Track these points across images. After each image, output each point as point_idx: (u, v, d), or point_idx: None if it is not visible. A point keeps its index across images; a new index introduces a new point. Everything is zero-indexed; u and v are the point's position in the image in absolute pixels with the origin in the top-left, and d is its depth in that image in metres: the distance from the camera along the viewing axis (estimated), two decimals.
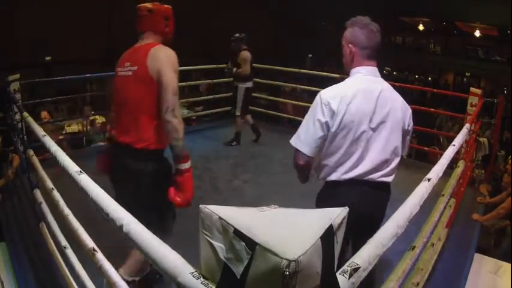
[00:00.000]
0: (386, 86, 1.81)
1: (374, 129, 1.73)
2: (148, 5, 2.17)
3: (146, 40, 2.14)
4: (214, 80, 7.06)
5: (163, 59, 1.97)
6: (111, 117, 2.30)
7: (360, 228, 1.51)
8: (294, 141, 1.77)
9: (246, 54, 5.33)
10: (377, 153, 1.75)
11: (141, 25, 2.19)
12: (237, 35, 5.42)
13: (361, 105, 1.70)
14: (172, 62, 1.99)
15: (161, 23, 2.17)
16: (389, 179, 1.84)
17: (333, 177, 1.79)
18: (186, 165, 1.98)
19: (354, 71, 1.81)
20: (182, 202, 2.00)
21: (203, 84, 8.70)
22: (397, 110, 1.79)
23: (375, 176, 1.78)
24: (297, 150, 1.76)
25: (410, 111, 1.86)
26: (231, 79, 6.31)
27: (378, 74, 1.81)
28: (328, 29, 17.68)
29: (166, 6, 2.18)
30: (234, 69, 5.39)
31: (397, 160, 1.84)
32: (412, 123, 1.87)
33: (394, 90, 1.83)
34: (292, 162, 1.83)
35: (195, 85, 8.82)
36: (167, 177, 2.05)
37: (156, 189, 2.04)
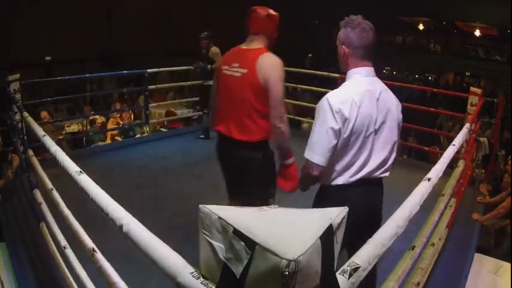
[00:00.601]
0: (382, 85, 1.82)
1: (377, 131, 1.75)
2: (266, 9, 2.29)
3: (256, 44, 2.25)
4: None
5: (272, 69, 2.13)
6: (214, 110, 2.50)
7: (364, 226, 1.56)
8: (308, 153, 1.71)
9: (217, 49, 5.23)
10: (380, 153, 1.77)
11: (255, 27, 2.25)
12: (206, 32, 5.39)
13: (368, 109, 1.70)
14: (280, 71, 2.16)
15: (274, 29, 2.30)
16: (387, 174, 1.85)
17: (340, 181, 1.77)
18: (291, 160, 2.28)
19: (351, 72, 1.79)
20: (291, 188, 2.27)
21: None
22: (393, 108, 1.81)
23: (377, 174, 1.79)
24: (311, 161, 1.70)
25: (401, 105, 1.88)
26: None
27: (374, 73, 1.81)
28: (327, 28, 17.69)
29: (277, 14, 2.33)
30: (209, 66, 5.25)
31: (394, 155, 1.85)
32: (401, 116, 1.89)
33: (387, 88, 1.84)
34: (303, 173, 1.80)
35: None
36: (271, 164, 2.34)
37: (263, 173, 2.31)
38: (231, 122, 2.26)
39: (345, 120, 1.65)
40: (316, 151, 1.68)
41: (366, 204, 1.79)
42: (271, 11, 2.30)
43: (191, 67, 5.63)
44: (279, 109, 2.12)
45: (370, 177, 1.78)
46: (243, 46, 2.28)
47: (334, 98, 1.67)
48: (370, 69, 1.79)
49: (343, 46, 1.78)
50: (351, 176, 1.75)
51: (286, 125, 2.17)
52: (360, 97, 1.68)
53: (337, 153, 1.71)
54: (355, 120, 1.66)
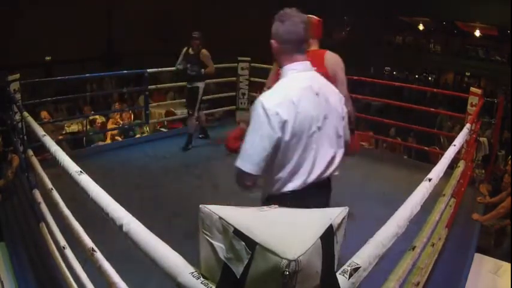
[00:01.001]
0: (321, 79, 1.73)
1: (320, 128, 1.63)
2: (315, 17, 2.59)
3: (313, 46, 2.52)
4: (213, 80, 7.04)
5: (338, 63, 2.49)
6: None
7: None
8: (240, 162, 1.56)
9: (207, 52, 5.08)
10: (327, 151, 1.68)
11: (313, 33, 2.46)
12: (197, 32, 5.17)
13: (307, 107, 1.58)
14: (342, 64, 2.52)
15: (322, 32, 2.62)
16: (336, 172, 1.76)
17: (290, 187, 1.63)
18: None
19: (286, 68, 1.67)
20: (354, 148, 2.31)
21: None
22: (335, 102, 1.71)
23: (328, 173, 1.70)
24: (242, 171, 1.56)
25: (342, 97, 1.79)
26: (234, 78, 6.27)
27: (310, 67, 1.70)
28: (327, 28, 17.65)
29: None
30: (202, 70, 5.05)
31: (342, 151, 1.76)
32: (345, 108, 1.79)
33: (328, 83, 1.76)
34: (237, 182, 1.66)
35: None
36: None
37: None
38: None
39: (284, 123, 1.52)
40: (249, 160, 1.55)
41: (319, 207, 1.60)
42: (318, 18, 2.62)
43: (178, 67, 5.34)
44: (345, 94, 2.30)
45: (321, 178, 1.68)
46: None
47: (269, 101, 1.53)
48: (305, 64, 1.67)
49: (272, 41, 1.69)
50: (302, 180, 1.63)
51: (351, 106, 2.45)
52: (298, 95, 1.56)
53: (280, 159, 1.58)
54: (295, 121, 1.54)
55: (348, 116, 1.97)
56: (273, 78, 2.65)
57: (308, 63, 1.69)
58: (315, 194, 1.67)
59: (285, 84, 1.63)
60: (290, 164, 1.60)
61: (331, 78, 2.21)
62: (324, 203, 1.76)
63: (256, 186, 1.65)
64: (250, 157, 1.54)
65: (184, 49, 5.31)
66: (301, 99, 1.57)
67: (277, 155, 1.57)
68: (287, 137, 1.53)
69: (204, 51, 5.08)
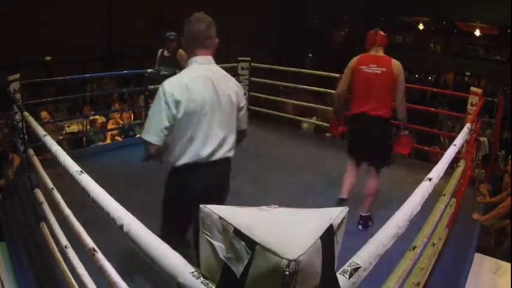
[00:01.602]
0: (222, 72, 2.03)
1: (213, 112, 1.93)
2: (381, 31, 3.23)
3: (380, 52, 3.18)
4: None
5: (400, 68, 3.11)
6: (342, 99, 3.32)
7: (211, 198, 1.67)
8: (144, 134, 1.92)
9: (184, 52, 4.71)
10: (218, 132, 1.96)
11: (380, 42, 3.18)
12: (173, 33, 4.87)
13: (200, 92, 1.90)
14: (403, 70, 3.13)
15: (387, 41, 3.24)
16: (230, 153, 2.04)
17: (183, 160, 1.94)
18: (406, 132, 3.39)
19: (190, 60, 2.00)
20: (406, 152, 3.77)
21: None
22: (231, 93, 1.99)
23: (219, 153, 1.98)
24: (146, 141, 1.91)
25: (242, 91, 2.10)
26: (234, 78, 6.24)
27: (212, 62, 2.01)
28: (327, 28, 17.67)
29: None
30: (177, 70, 4.38)
31: (233, 137, 2.05)
32: (244, 102, 2.11)
33: (228, 75, 2.06)
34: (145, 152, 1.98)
35: None
36: (391, 134, 3.24)
37: (389, 141, 3.22)
38: (373, 104, 3.07)
39: (177, 102, 1.85)
40: (151, 131, 1.90)
41: (211, 184, 2.00)
42: (384, 31, 3.27)
43: (150, 70, 5.11)
44: (404, 93, 3.13)
45: (213, 156, 1.97)
46: (373, 53, 3.16)
47: (168, 84, 1.90)
48: (207, 58, 1.99)
49: (182, 38, 2.03)
50: (193, 155, 1.93)
51: (405, 105, 3.17)
52: (193, 81, 1.90)
53: (176, 134, 1.91)
54: (188, 102, 1.86)
55: (401, 115, 3.17)
56: (343, 83, 3.23)
57: (209, 57, 2.01)
58: (208, 171, 1.98)
59: (186, 72, 1.99)
60: (183, 139, 1.92)
61: (395, 78, 3.07)
62: (220, 183, 2.08)
63: (159, 156, 2.01)
64: (151, 129, 1.90)
65: (160, 51, 5.15)
66: (196, 84, 1.90)
67: (173, 130, 1.90)
68: (180, 114, 1.87)
69: (181, 51, 4.87)
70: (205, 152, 1.94)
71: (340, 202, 3.27)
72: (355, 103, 3.17)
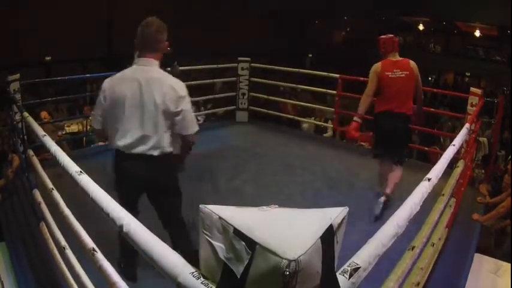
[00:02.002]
0: (155, 75, 2.15)
1: (134, 110, 2.12)
2: (393, 36, 3.64)
3: (397, 56, 3.55)
4: (215, 80, 7.05)
5: (416, 67, 3.56)
6: (369, 101, 3.61)
7: (146, 190, 2.22)
8: (91, 120, 2.36)
9: None
10: (137, 130, 2.14)
11: (397, 48, 3.58)
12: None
13: (124, 89, 2.12)
14: (417, 66, 3.58)
15: (397, 45, 3.62)
16: (154, 152, 2.17)
17: (114, 146, 2.25)
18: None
19: (134, 62, 2.23)
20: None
21: (218, 83, 8.30)
22: (157, 95, 2.11)
23: (138, 149, 2.17)
24: (91, 125, 2.35)
25: (178, 95, 2.14)
26: (234, 78, 6.23)
27: (153, 64, 2.17)
28: (327, 28, 17.68)
29: None
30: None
31: (157, 137, 2.16)
32: (182, 107, 2.14)
33: (164, 80, 2.16)
34: None
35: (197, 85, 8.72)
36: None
37: (410, 134, 4.02)
38: (401, 104, 3.47)
39: (105, 96, 2.17)
40: (93, 118, 2.31)
41: (135, 174, 2.20)
42: (394, 36, 3.66)
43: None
44: (422, 90, 3.75)
45: (132, 150, 2.17)
46: (392, 59, 3.52)
47: (106, 80, 2.22)
48: (147, 60, 2.17)
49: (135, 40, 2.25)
50: (118, 145, 2.20)
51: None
52: (121, 80, 2.17)
53: (107, 123, 2.23)
54: (112, 96, 2.15)
55: (420, 106, 3.83)
56: (370, 87, 3.53)
57: (150, 60, 2.17)
58: (129, 161, 2.20)
59: (123, 71, 2.22)
60: (112, 129, 2.21)
61: (416, 77, 3.54)
62: (145, 176, 2.22)
63: (102, 136, 2.49)
64: (93, 116, 2.30)
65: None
66: (122, 83, 2.15)
67: (107, 119, 2.23)
68: (106, 106, 2.19)
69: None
70: (123, 144, 2.17)
71: (386, 198, 3.56)
72: (383, 103, 3.54)
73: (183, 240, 2.34)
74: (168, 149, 2.21)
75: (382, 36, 3.62)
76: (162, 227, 2.36)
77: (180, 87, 2.17)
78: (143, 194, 2.33)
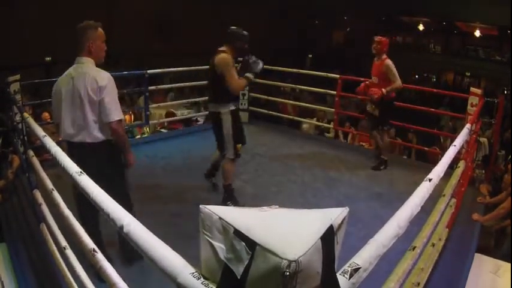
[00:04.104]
0: (83, 71, 2.38)
1: (67, 102, 2.38)
2: (383, 37, 4.44)
3: (384, 55, 4.41)
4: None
5: (392, 65, 4.35)
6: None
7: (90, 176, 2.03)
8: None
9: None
10: (69, 120, 2.39)
11: (384, 47, 4.38)
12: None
13: (61, 85, 2.42)
14: (393, 66, 4.34)
15: (388, 46, 4.50)
16: (87, 139, 2.41)
17: (61, 137, 2.49)
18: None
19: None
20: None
21: None
22: (81, 88, 2.34)
23: (78, 137, 2.41)
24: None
25: (99, 85, 2.34)
26: None
27: (84, 62, 2.41)
28: (327, 29, 17.67)
29: None
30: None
31: (88, 126, 2.38)
32: (103, 96, 2.34)
33: (89, 74, 2.36)
34: None
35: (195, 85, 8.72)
36: None
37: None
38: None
39: (52, 93, 2.47)
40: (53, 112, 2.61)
41: (78, 161, 2.00)
42: (385, 38, 4.46)
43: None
44: (398, 80, 4.37)
45: (73, 138, 2.42)
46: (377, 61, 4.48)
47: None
48: (81, 59, 2.42)
49: None
50: (62, 135, 2.45)
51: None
52: (60, 78, 2.46)
53: (57, 116, 2.48)
54: (55, 92, 2.45)
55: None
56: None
57: (82, 58, 2.42)
58: (74, 149, 2.41)
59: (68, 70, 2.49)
60: (60, 120, 2.44)
61: (386, 71, 4.34)
62: (84, 163, 1.97)
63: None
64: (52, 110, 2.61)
65: None
66: (62, 79, 2.44)
67: (56, 114, 2.49)
68: (53, 101, 2.49)
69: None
70: (64, 134, 2.43)
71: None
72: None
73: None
74: (101, 136, 2.41)
75: (385, 38, 4.38)
76: (161, 226, 2.37)
77: (101, 78, 2.36)
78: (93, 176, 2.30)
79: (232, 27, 3.53)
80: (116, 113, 2.39)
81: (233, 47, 3.45)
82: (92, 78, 2.34)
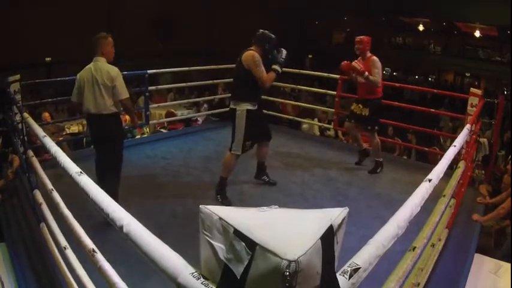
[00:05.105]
0: (99, 66, 3.25)
1: (89, 86, 3.23)
2: (365, 37, 4.50)
3: (368, 53, 4.39)
4: (215, 81, 7.06)
5: (377, 61, 4.32)
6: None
7: (98, 135, 3.41)
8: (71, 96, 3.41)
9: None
10: (91, 99, 3.24)
11: (367, 46, 4.41)
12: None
13: (84, 75, 3.26)
14: (378, 62, 4.31)
15: (370, 45, 4.50)
16: (103, 112, 3.25)
17: (83, 111, 3.37)
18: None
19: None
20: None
21: (221, 84, 8.26)
22: (98, 77, 3.21)
23: (96, 109, 3.25)
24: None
25: (111, 76, 3.22)
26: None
27: (99, 60, 3.27)
28: (327, 29, 17.67)
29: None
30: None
31: (103, 103, 3.23)
32: (115, 83, 3.22)
33: (104, 68, 3.24)
34: None
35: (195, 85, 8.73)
36: None
37: None
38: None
39: (76, 80, 3.33)
40: (72, 95, 3.37)
41: (94, 126, 3.40)
42: (367, 37, 4.49)
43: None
44: (377, 75, 4.33)
45: (91, 111, 3.26)
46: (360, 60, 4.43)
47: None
48: (97, 58, 3.29)
49: None
50: (84, 109, 3.31)
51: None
52: (83, 70, 3.31)
53: (79, 96, 3.32)
54: (78, 81, 3.31)
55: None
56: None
57: (98, 58, 3.29)
58: (91, 119, 3.37)
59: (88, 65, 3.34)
60: (81, 100, 3.31)
61: (371, 66, 4.27)
62: (101, 129, 3.34)
63: (77, 108, 3.52)
64: (72, 94, 3.36)
65: None
66: (84, 70, 3.30)
67: (78, 94, 3.33)
68: (76, 86, 3.33)
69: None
70: (87, 107, 3.27)
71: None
72: (380, 90, 4.48)
73: (108, 176, 3.31)
74: (113, 109, 3.28)
75: (365, 36, 4.46)
76: (162, 226, 2.37)
77: (112, 70, 3.26)
78: (103, 138, 3.37)
79: (262, 30, 3.67)
80: (124, 93, 3.29)
81: (262, 49, 3.59)
82: (105, 71, 3.24)
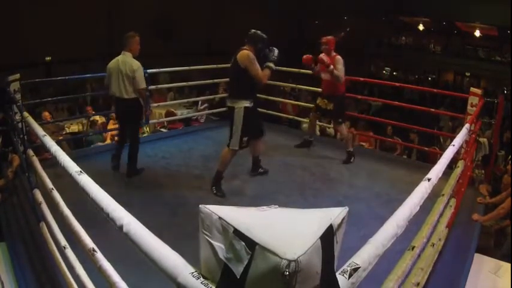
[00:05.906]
0: (125, 59, 3.96)
1: (116, 75, 3.96)
2: (330, 37, 4.74)
3: (333, 52, 4.63)
4: (215, 80, 7.05)
5: (340, 60, 4.59)
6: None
7: (122, 115, 4.30)
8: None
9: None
10: (117, 84, 3.97)
11: (332, 46, 4.68)
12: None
13: (111, 65, 4.00)
14: (341, 60, 4.59)
15: (335, 45, 4.70)
16: (126, 96, 3.99)
17: (110, 94, 4.15)
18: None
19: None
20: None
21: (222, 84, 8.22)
22: (123, 69, 3.92)
23: (119, 94, 4.00)
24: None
25: (133, 68, 3.93)
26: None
27: (126, 54, 3.99)
28: (327, 29, 17.66)
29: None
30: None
31: (125, 89, 3.98)
32: (135, 74, 3.94)
33: (128, 61, 3.95)
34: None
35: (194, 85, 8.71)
36: None
37: None
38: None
39: (107, 69, 4.04)
40: (105, 78, 4.13)
41: (119, 107, 4.22)
42: (332, 37, 4.73)
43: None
44: (340, 70, 4.60)
45: (116, 95, 4.03)
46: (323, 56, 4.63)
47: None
48: (124, 53, 3.99)
49: None
50: (110, 93, 4.10)
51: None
52: (112, 62, 4.02)
53: (108, 82, 4.08)
54: (108, 69, 4.03)
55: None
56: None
57: (126, 52, 4.00)
58: (117, 102, 4.17)
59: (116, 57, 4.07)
60: (110, 84, 4.05)
61: (335, 64, 4.50)
62: (123, 109, 4.16)
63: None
64: (105, 78, 4.12)
65: None
66: (112, 62, 4.00)
67: (108, 80, 4.06)
68: (107, 74, 4.05)
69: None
70: (112, 92, 4.05)
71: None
72: (344, 85, 4.80)
73: (131, 149, 4.21)
74: (133, 95, 4.01)
75: (331, 37, 4.72)
76: (161, 226, 2.37)
77: (135, 64, 3.95)
78: (124, 115, 4.23)
79: (254, 30, 3.84)
80: (142, 83, 4.00)
81: (254, 48, 3.73)
82: (129, 64, 3.93)
